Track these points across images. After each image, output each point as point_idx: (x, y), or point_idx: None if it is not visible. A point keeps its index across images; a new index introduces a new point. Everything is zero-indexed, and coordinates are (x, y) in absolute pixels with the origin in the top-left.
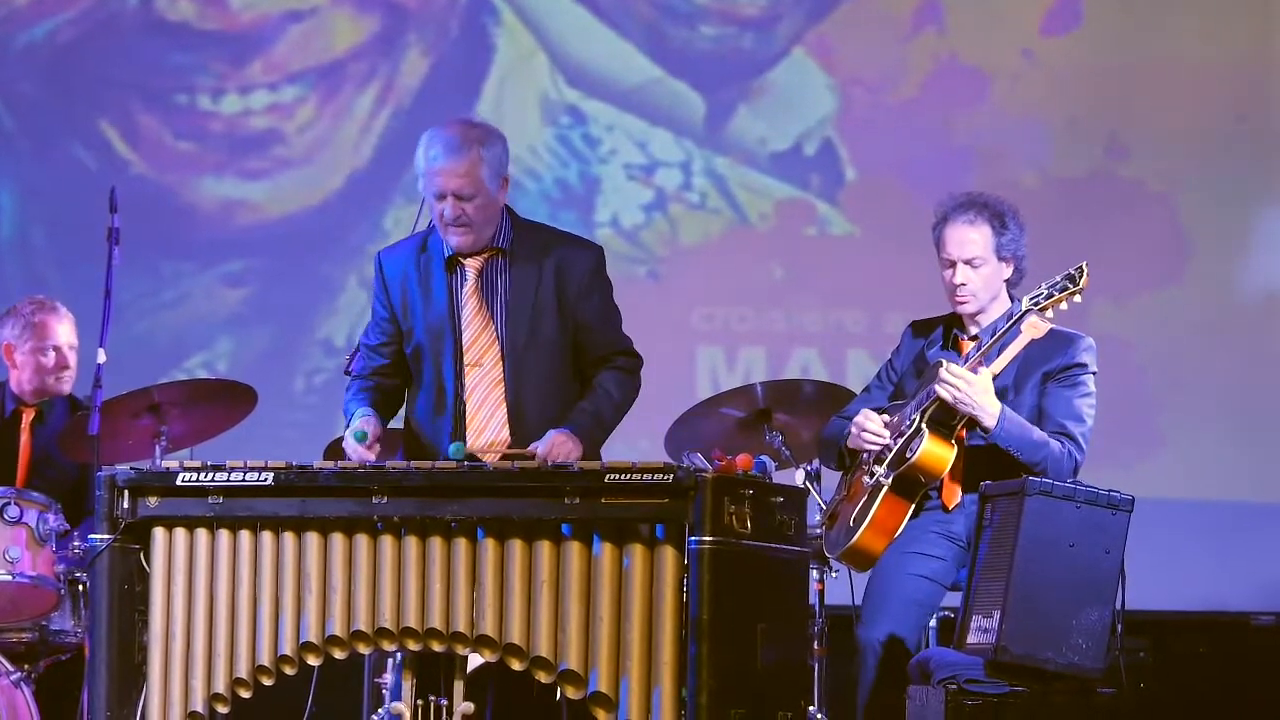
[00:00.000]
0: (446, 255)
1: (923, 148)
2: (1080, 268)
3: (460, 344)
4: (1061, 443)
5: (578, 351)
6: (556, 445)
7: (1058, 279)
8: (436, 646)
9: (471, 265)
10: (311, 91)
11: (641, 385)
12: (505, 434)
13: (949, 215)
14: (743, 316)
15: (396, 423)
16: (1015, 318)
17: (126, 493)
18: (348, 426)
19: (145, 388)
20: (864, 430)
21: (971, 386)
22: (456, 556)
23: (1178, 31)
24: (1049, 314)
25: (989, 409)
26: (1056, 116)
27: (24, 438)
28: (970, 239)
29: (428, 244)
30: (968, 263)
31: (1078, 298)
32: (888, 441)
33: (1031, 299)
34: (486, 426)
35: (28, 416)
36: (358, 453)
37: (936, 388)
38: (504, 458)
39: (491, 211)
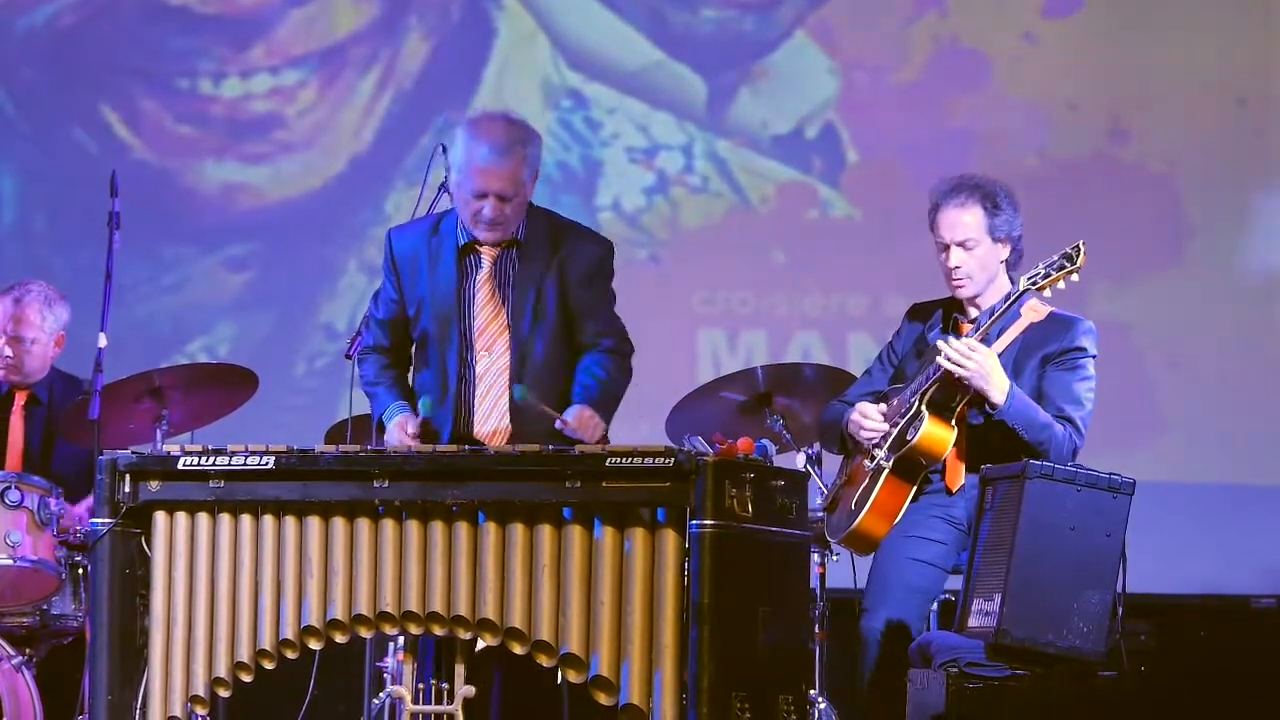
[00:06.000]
0: (461, 242)
1: (924, 131)
2: (1077, 246)
3: (470, 330)
4: (1062, 426)
5: (571, 334)
6: (585, 419)
7: (1055, 258)
8: (438, 630)
9: (487, 254)
10: (313, 75)
11: (633, 374)
12: (506, 422)
13: (941, 200)
14: (744, 300)
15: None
16: (1013, 298)
17: (127, 477)
18: (380, 415)
19: (146, 372)
20: (861, 427)
21: (985, 360)
22: (458, 540)
23: (1179, 15)
24: (1047, 293)
25: (998, 384)
26: (1058, 99)
27: (15, 420)
28: (963, 221)
29: (440, 227)
30: (961, 245)
31: (1075, 276)
32: (885, 429)
33: (1029, 279)
34: (491, 414)
35: (20, 399)
36: (405, 445)
37: (946, 363)
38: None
39: (523, 208)
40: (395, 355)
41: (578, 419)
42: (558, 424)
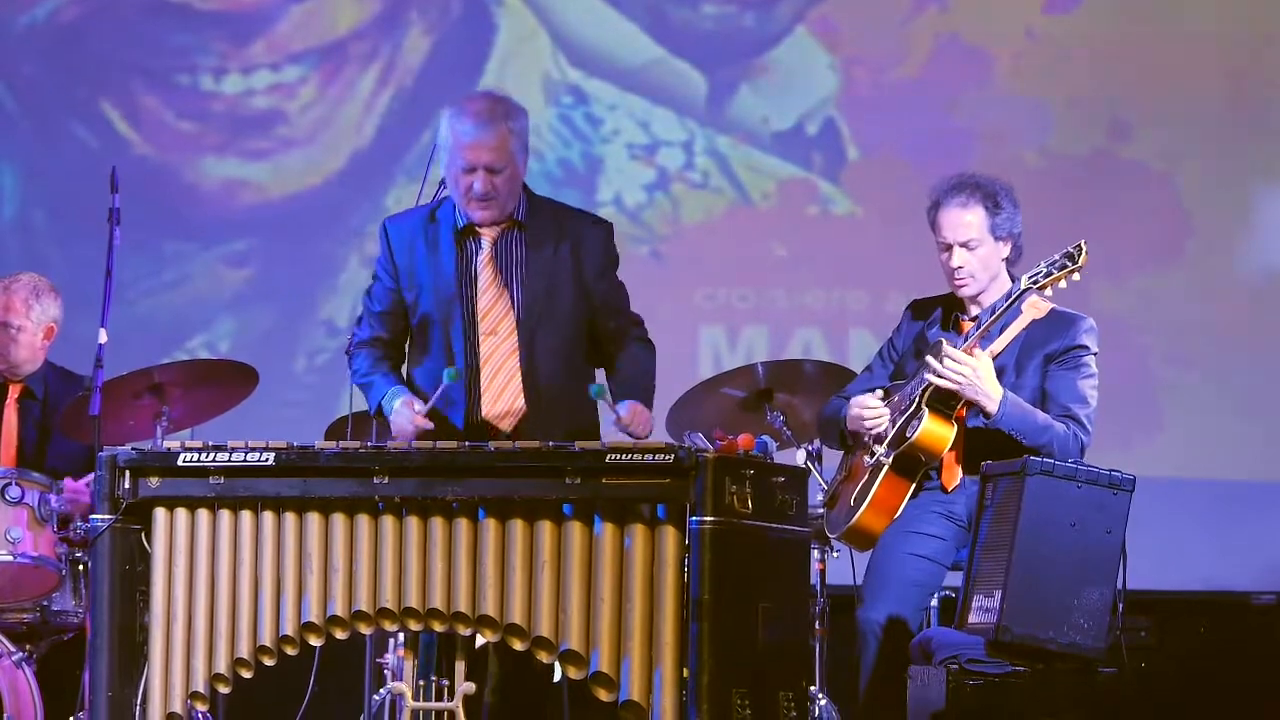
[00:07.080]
0: (459, 226)
1: (925, 127)
2: (1079, 246)
3: (474, 312)
4: (1067, 425)
5: (594, 326)
6: (639, 413)
7: (1056, 257)
8: (438, 627)
9: (487, 235)
10: (313, 71)
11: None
12: (520, 402)
13: (942, 199)
14: (744, 296)
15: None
16: (1014, 296)
17: (128, 473)
18: (379, 401)
19: (146, 368)
20: (863, 417)
21: (974, 372)
22: (458, 537)
23: (1179, 10)
24: (1048, 292)
25: (991, 394)
26: (1058, 96)
27: (9, 414)
28: (965, 221)
29: (436, 214)
30: (964, 245)
31: (1077, 276)
32: (887, 423)
33: (1031, 278)
34: (502, 394)
35: (14, 392)
36: (415, 423)
37: (934, 377)
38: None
39: (516, 185)
40: (389, 348)
41: (632, 414)
42: (612, 418)
